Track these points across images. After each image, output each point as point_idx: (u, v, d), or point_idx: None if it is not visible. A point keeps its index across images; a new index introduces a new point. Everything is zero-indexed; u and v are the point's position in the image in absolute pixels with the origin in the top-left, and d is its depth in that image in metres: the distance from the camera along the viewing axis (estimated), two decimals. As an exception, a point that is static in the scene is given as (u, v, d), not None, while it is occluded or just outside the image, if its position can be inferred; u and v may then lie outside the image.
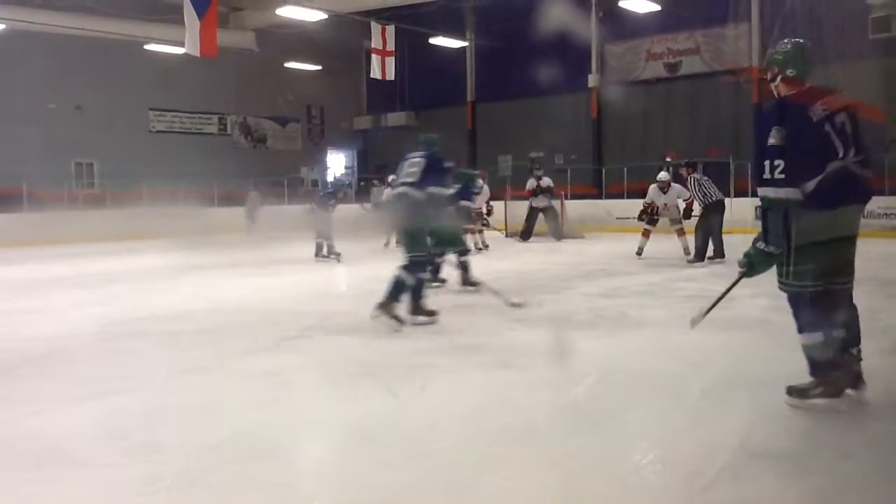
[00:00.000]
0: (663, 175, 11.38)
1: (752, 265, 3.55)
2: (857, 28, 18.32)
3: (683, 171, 11.01)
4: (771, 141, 3.36)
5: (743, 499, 2.77)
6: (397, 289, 6.12)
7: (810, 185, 3.35)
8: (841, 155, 3.38)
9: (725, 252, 10.25)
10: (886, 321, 6.14)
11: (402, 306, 6.18)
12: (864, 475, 2.96)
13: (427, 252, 6.46)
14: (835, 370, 3.53)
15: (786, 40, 3.65)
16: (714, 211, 10.50)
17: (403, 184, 6.32)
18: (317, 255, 12.25)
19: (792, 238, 3.45)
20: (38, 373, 4.93)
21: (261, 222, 18.78)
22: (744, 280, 3.69)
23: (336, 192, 13.28)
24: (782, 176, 3.33)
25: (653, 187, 11.32)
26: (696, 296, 7.05)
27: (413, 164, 6.34)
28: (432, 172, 6.26)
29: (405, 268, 6.16)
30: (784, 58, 3.53)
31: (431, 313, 6.33)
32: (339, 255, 12.10)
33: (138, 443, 3.43)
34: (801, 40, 3.65)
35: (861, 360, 3.61)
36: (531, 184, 15.60)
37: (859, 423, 3.39)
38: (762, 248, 3.49)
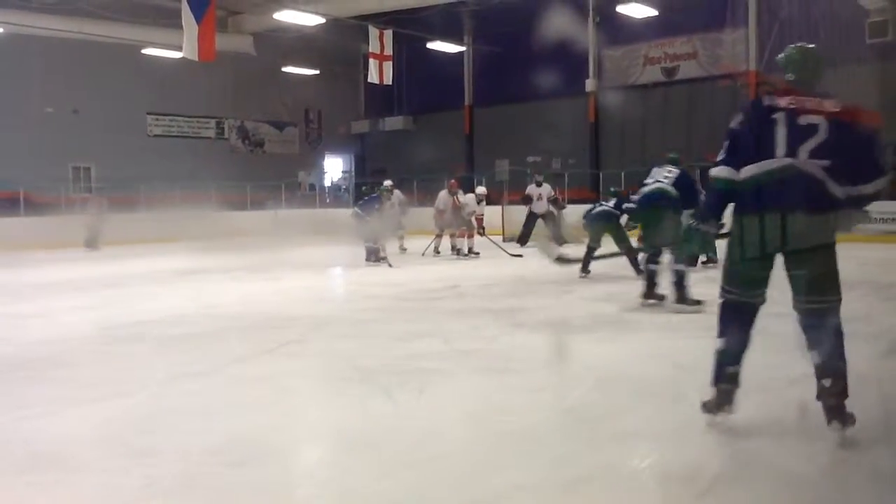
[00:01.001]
0: None
1: (684, 239, 3.53)
2: (853, 32, 18.38)
3: None
4: (730, 125, 3.39)
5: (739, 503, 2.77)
6: (679, 279, 6.84)
7: (747, 169, 3.28)
8: (780, 153, 3.25)
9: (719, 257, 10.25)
10: (881, 325, 6.16)
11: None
12: (860, 480, 2.96)
13: (666, 245, 7.09)
14: (719, 382, 3.41)
15: (795, 44, 3.63)
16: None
17: (659, 181, 7.20)
18: (367, 259, 12.20)
19: (732, 231, 3.36)
20: (35, 377, 4.92)
21: (105, 233, 16.98)
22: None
23: (381, 196, 13.20)
24: (723, 156, 3.35)
25: None
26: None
27: (669, 171, 7.29)
28: (682, 187, 7.16)
29: (679, 261, 6.88)
30: (786, 61, 3.52)
31: (699, 302, 6.81)
32: (385, 258, 12.04)
33: (135, 447, 3.43)
34: (811, 45, 3.61)
35: (839, 394, 3.22)
36: (531, 189, 15.70)
37: (855, 429, 3.39)
38: (691, 223, 3.47)
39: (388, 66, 21.69)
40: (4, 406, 4.19)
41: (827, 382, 3.20)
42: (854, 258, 10.57)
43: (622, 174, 20.01)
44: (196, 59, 17.09)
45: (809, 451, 3.21)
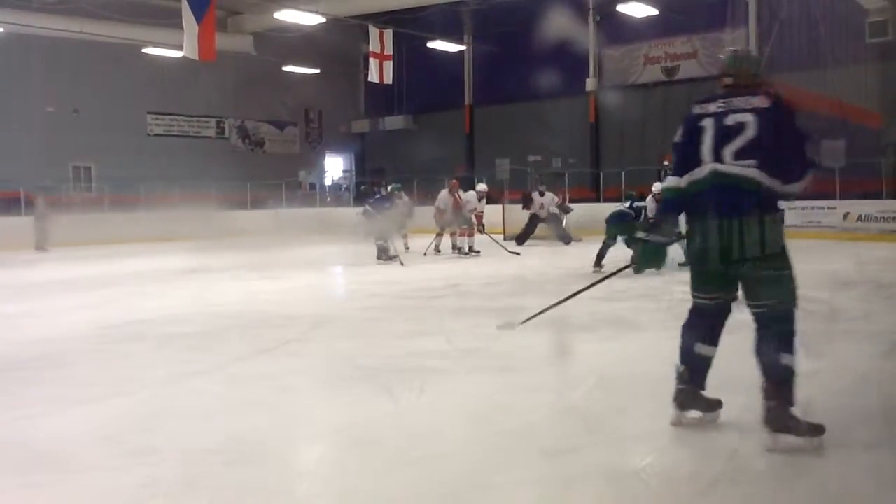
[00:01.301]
0: (658, 186, 11.49)
1: (638, 257, 3.52)
2: (853, 32, 18.38)
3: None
4: (674, 139, 3.42)
5: (739, 502, 2.76)
6: None
7: (685, 178, 3.30)
8: (707, 158, 3.22)
9: None
10: (882, 324, 6.16)
11: None
12: (860, 478, 2.96)
13: None
14: (680, 383, 3.40)
15: (731, 49, 3.61)
16: None
17: None
18: (379, 258, 12.19)
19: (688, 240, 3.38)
20: (33, 376, 4.92)
21: (52, 233, 16.82)
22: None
23: (392, 195, 13.19)
24: (672, 168, 3.40)
25: (649, 199, 11.38)
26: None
27: None
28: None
29: None
30: (722, 66, 3.48)
31: None
32: (397, 256, 12.03)
33: (135, 447, 3.42)
34: (746, 48, 3.58)
35: (777, 399, 3.12)
36: (535, 197, 16.08)
37: (855, 426, 3.39)
38: (642, 235, 3.46)
39: (389, 66, 21.68)
40: (3, 406, 4.18)
41: (766, 385, 3.16)
42: (854, 257, 10.61)
43: (622, 173, 20.04)
44: (196, 58, 17.08)
45: (809, 450, 3.20)
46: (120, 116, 23.32)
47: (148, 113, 24.95)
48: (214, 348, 5.71)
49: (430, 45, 23.82)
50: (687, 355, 3.40)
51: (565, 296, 3.80)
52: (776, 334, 3.16)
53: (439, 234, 13.93)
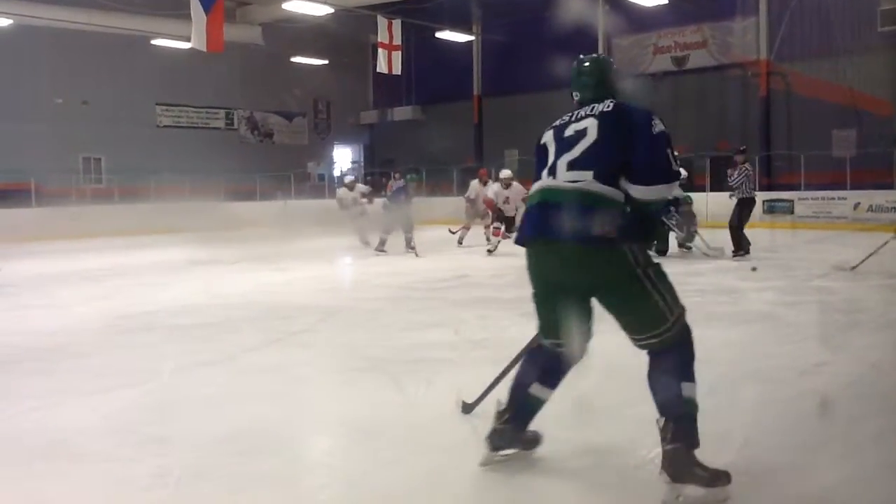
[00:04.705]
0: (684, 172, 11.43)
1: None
2: (865, 20, 18.23)
3: (739, 158, 10.90)
4: None
5: (748, 495, 2.76)
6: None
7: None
8: (543, 173, 2.84)
9: (724, 248, 10.13)
10: (893, 315, 6.13)
11: None
12: (870, 470, 2.94)
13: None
14: (500, 423, 2.99)
15: (579, 56, 3.22)
16: (749, 206, 10.56)
17: None
18: (377, 249, 12.23)
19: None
20: (44, 367, 4.95)
21: None
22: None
23: (407, 186, 13.19)
24: None
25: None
26: (704, 290, 7.03)
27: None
28: None
29: None
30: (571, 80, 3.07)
31: None
32: (414, 248, 12.03)
33: (145, 437, 3.44)
34: (592, 56, 3.23)
35: (674, 440, 2.70)
36: None
37: (864, 418, 3.37)
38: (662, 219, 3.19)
39: (397, 56, 21.63)
40: (15, 396, 4.22)
41: (660, 423, 2.75)
42: (864, 247, 10.53)
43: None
44: (204, 49, 17.09)
45: (819, 441, 3.20)
46: (129, 108, 23.39)
47: (157, 104, 25.00)
48: (223, 339, 5.73)
49: (439, 35, 23.75)
50: (516, 392, 3.05)
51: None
52: (665, 367, 2.79)
53: (466, 227, 13.66)
